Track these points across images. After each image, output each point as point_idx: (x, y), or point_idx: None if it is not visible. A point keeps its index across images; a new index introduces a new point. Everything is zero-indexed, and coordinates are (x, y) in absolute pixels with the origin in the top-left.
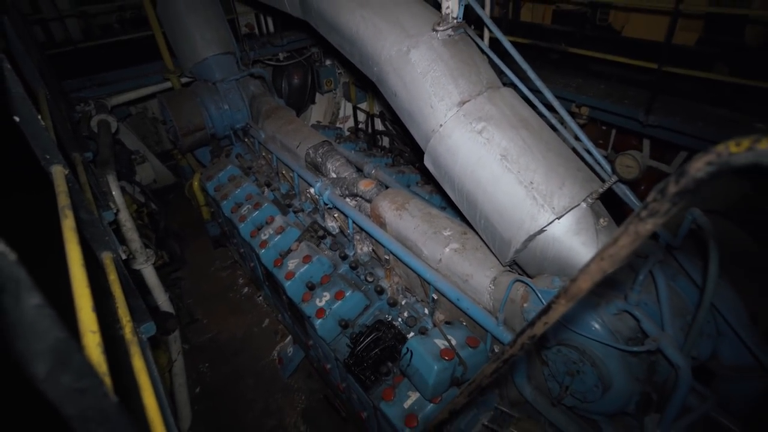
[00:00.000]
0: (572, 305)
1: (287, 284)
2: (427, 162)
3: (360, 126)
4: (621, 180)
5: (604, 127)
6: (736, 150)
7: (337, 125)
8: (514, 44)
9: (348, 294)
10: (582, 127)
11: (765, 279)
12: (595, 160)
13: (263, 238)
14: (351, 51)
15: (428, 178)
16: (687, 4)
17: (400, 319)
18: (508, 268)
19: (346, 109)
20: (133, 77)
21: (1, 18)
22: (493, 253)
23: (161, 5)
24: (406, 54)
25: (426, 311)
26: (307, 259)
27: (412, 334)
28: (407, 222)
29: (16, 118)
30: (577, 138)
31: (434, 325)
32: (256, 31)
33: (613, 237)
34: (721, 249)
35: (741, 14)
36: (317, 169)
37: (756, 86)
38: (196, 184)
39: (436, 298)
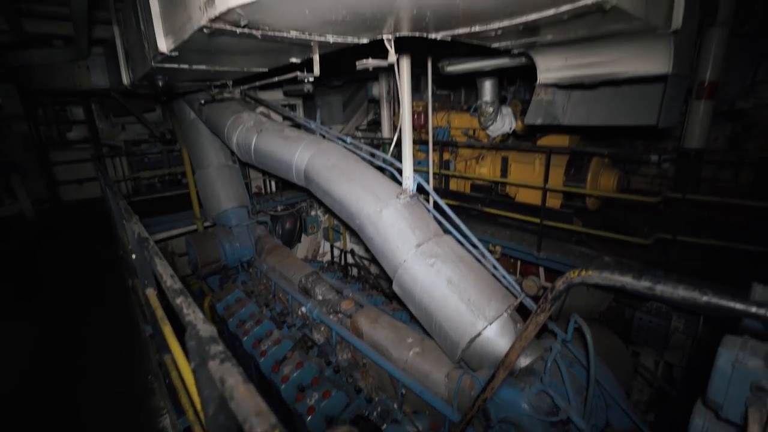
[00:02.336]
0: (506, 373)
1: (283, 387)
2: (395, 287)
3: (335, 260)
4: (527, 295)
5: (512, 260)
6: (574, 276)
7: (318, 259)
8: (448, 205)
9: (333, 393)
10: (498, 260)
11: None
12: (509, 283)
13: (263, 348)
14: (339, 209)
15: (391, 299)
16: (550, 184)
17: (375, 413)
18: (457, 364)
19: (325, 246)
20: (168, 222)
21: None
22: (445, 353)
23: (198, 174)
24: (379, 213)
25: (395, 405)
26: (299, 365)
27: (385, 425)
28: (380, 332)
29: (134, 256)
30: (495, 268)
31: (404, 415)
32: (263, 191)
33: (525, 324)
34: (594, 342)
35: (581, 192)
36: (307, 292)
37: (598, 235)
38: (206, 304)
39: (404, 392)
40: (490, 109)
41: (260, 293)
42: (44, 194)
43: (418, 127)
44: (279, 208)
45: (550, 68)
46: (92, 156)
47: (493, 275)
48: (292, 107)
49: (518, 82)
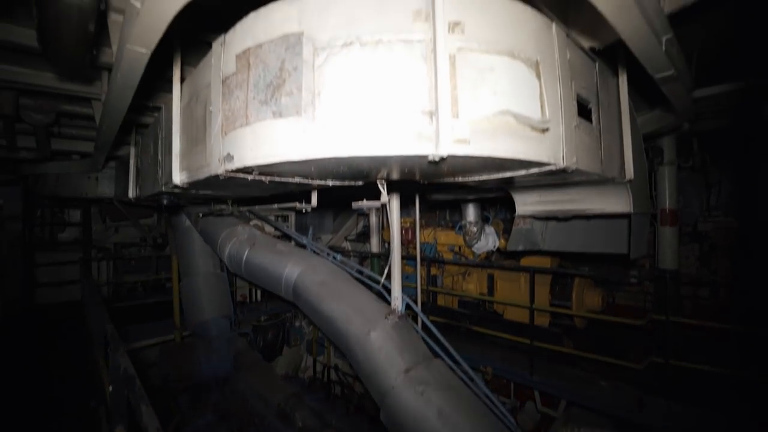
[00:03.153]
0: None
1: None
2: (383, 416)
3: (317, 376)
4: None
5: (505, 381)
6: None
7: (299, 375)
8: (436, 323)
9: None
10: (490, 380)
11: None
12: (503, 414)
13: None
14: (327, 328)
15: (376, 423)
16: (537, 303)
17: None
18: None
19: (308, 360)
20: (145, 330)
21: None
22: None
23: (185, 281)
24: (367, 335)
25: None
26: None
27: None
28: None
29: (110, 388)
30: (487, 397)
31: None
32: (248, 299)
33: None
34: None
35: (568, 312)
36: (287, 417)
37: (588, 357)
38: (171, 430)
39: None
40: (474, 229)
41: (235, 416)
42: (17, 295)
43: (406, 242)
44: (262, 318)
45: (527, 203)
46: (80, 259)
47: (486, 404)
48: (285, 218)
49: (498, 204)
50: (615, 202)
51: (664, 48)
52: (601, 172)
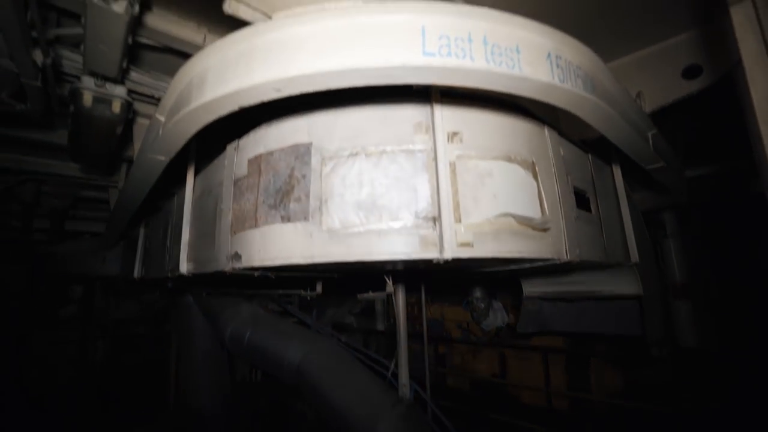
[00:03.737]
0: None
1: None
2: None
3: None
4: None
5: None
6: None
7: None
8: (447, 409)
9: None
10: None
11: None
12: None
13: None
14: (330, 416)
15: None
16: (553, 385)
17: None
18: None
19: None
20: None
21: None
22: None
23: (184, 360)
24: (374, 427)
25: None
26: None
27: None
28: None
29: None
30: None
31: None
32: (248, 379)
33: None
34: None
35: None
36: None
37: None
38: None
39: None
40: (482, 305)
41: None
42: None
43: (412, 318)
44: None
45: (534, 284)
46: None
47: None
48: (289, 297)
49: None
50: (624, 283)
51: (651, 143)
52: (605, 259)
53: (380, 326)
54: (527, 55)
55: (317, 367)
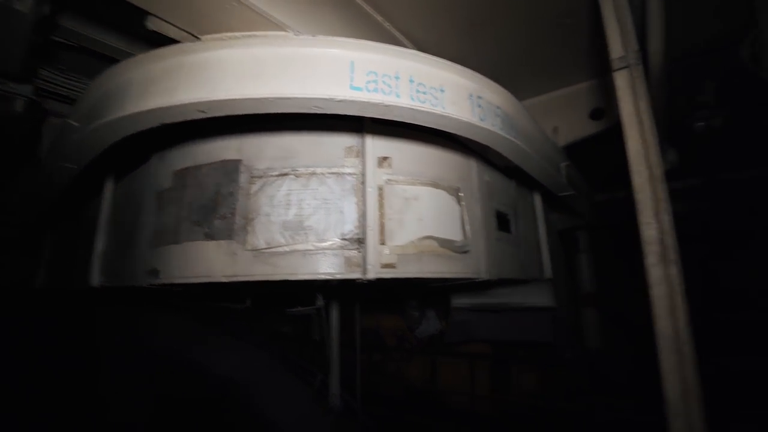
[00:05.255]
0: None
1: None
2: None
3: None
4: None
5: None
6: None
7: None
8: (380, 416)
9: None
10: None
11: None
12: None
13: None
14: (261, 426)
15: None
16: (479, 390)
17: None
18: None
19: None
20: None
21: None
22: None
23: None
24: None
25: None
26: None
27: None
28: None
29: None
30: None
31: None
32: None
33: None
34: None
35: (506, 398)
36: None
37: None
38: None
39: None
40: (416, 313)
41: None
42: None
43: (349, 328)
44: None
45: (462, 297)
46: None
47: None
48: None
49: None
50: (539, 295)
51: (564, 173)
52: (522, 275)
53: (316, 335)
54: (451, 95)
55: (246, 378)
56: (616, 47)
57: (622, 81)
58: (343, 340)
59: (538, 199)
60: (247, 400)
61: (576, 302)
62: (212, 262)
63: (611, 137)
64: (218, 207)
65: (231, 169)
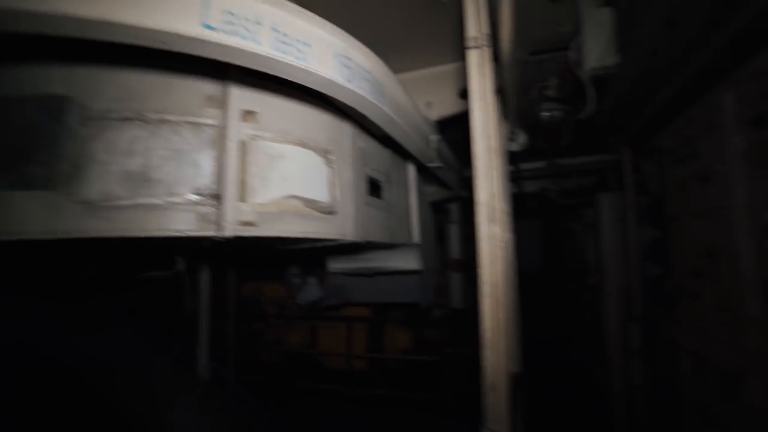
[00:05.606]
0: None
1: None
2: None
3: None
4: None
5: None
6: None
7: None
8: (256, 383)
9: None
10: None
11: None
12: None
13: None
14: (127, 408)
15: None
16: (355, 350)
17: None
18: None
19: None
20: None
21: None
22: None
23: None
24: (169, 412)
25: None
26: None
27: None
28: None
29: None
30: None
31: None
32: None
33: None
34: None
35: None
36: None
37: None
38: None
39: None
40: (297, 281)
41: None
42: None
43: (223, 297)
44: None
45: (337, 261)
46: None
47: None
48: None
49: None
50: (408, 260)
51: (434, 146)
52: (391, 240)
53: (188, 306)
54: (317, 51)
55: (100, 360)
56: (471, 28)
57: (472, 59)
58: (221, 310)
59: (411, 170)
60: (102, 385)
61: (445, 267)
62: (25, 215)
63: None
64: (34, 151)
65: (55, 106)
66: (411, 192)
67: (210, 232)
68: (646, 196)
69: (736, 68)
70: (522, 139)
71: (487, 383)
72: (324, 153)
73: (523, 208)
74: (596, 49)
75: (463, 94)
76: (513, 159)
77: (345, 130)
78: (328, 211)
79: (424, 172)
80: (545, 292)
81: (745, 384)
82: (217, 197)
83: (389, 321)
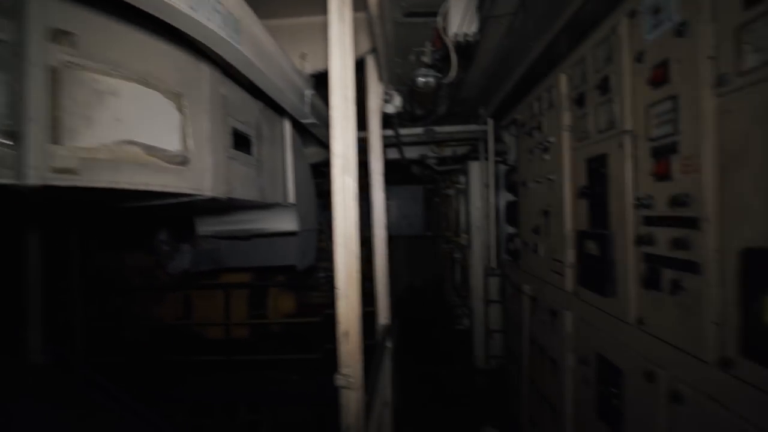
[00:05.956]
0: None
1: None
2: None
3: None
4: None
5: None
6: None
7: None
8: (116, 364)
9: None
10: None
11: None
12: None
13: None
14: None
15: None
16: (236, 317)
17: None
18: None
19: None
20: None
21: None
22: None
23: None
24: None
25: None
26: None
27: None
28: None
29: None
30: None
31: None
32: None
33: None
34: None
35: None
36: None
37: (282, 358)
38: None
39: None
40: (167, 248)
41: None
42: None
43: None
44: None
45: (207, 224)
46: None
47: None
48: None
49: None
50: (285, 221)
51: (308, 101)
52: (262, 198)
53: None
54: None
55: None
56: None
57: (332, 4)
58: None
59: (288, 126)
60: None
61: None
62: None
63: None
64: None
65: None
66: (287, 150)
67: (6, 179)
68: (504, 164)
69: (569, 54)
70: (397, 101)
71: (340, 331)
72: (175, 96)
73: (407, 174)
74: (458, 16)
75: None
76: (392, 124)
77: (204, 72)
78: (179, 161)
79: (303, 131)
80: (427, 252)
81: (563, 317)
82: (13, 135)
83: (273, 285)
